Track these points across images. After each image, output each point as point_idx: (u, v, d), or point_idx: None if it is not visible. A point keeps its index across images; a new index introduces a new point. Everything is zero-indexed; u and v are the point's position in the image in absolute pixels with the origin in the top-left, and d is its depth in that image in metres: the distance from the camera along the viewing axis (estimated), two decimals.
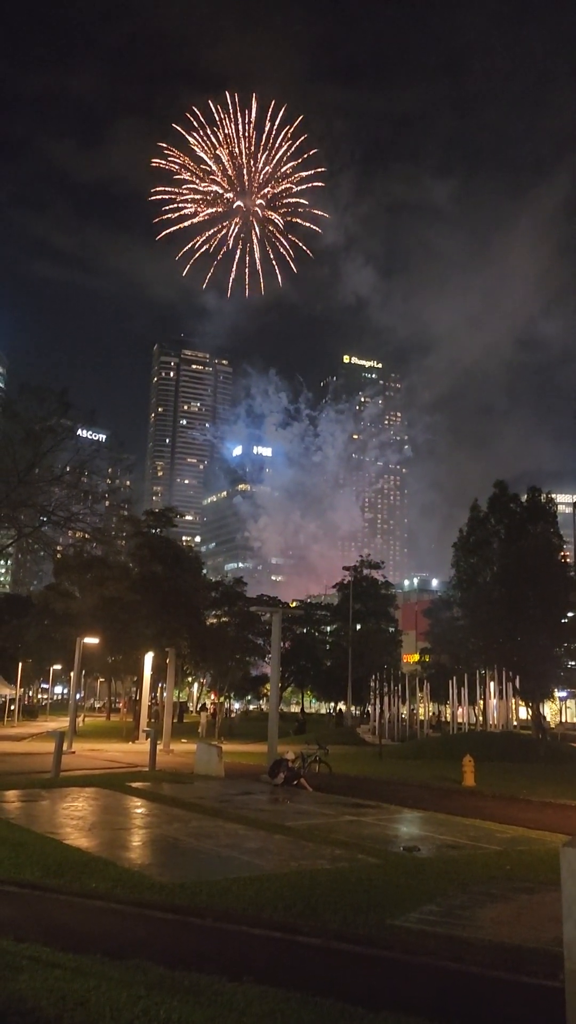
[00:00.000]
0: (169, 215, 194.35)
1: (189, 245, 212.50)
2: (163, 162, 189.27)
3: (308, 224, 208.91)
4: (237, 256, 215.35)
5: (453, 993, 6.78)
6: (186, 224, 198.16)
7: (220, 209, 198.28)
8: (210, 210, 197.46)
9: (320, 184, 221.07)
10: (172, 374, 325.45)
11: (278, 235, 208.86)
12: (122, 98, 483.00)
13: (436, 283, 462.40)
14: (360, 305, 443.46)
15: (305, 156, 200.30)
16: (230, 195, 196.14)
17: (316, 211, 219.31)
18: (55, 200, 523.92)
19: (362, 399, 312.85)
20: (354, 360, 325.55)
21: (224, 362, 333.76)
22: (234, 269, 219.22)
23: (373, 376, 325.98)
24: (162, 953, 7.25)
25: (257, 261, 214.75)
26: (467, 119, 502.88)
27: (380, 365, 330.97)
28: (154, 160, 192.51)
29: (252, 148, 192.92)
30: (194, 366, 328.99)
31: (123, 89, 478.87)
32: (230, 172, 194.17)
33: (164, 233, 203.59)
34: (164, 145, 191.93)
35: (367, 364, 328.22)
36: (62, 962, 6.77)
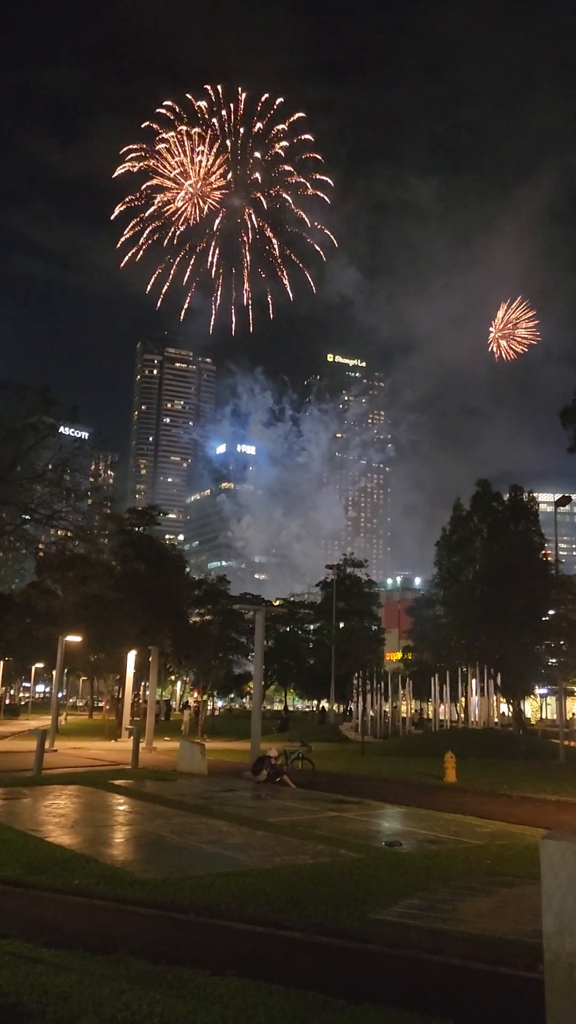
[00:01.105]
0: (137, 227, 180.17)
1: (164, 267, 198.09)
2: (134, 164, 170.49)
3: (312, 242, 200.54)
4: (220, 283, 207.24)
5: (434, 985, 6.84)
6: (156, 238, 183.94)
7: (197, 222, 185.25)
8: (188, 224, 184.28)
9: (322, 195, 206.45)
10: (155, 372, 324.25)
11: (274, 256, 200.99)
12: (103, 94, 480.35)
13: (420, 283, 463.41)
14: (344, 305, 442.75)
15: (300, 158, 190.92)
16: (211, 204, 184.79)
17: (321, 225, 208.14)
18: (36, 196, 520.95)
19: (346, 398, 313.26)
20: (338, 359, 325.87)
21: (208, 360, 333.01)
22: (218, 297, 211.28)
23: (357, 375, 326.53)
24: (145, 948, 7.26)
25: (246, 292, 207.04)
26: (449, 119, 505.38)
27: (364, 364, 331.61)
28: (119, 168, 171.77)
29: (240, 151, 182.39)
30: (178, 364, 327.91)
31: (104, 85, 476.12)
32: (215, 180, 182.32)
33: (127, 260, 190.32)
34: (136, 146, 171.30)
35: (351, 363, 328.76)
36: (44, 958, 6.77)
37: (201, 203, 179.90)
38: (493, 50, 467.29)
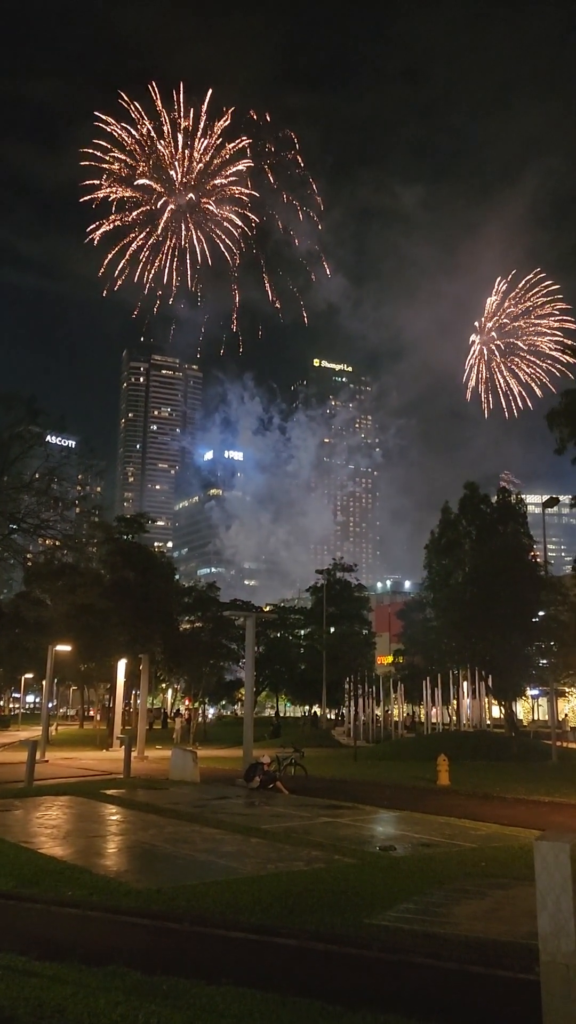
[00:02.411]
0: (120, 246, 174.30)
1: (150, 283, 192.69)
2: (108, 183, 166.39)
3: (299, 253, 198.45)
4: (208, 295, 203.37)
5: (431, 989, 6.82)
6: (141, 256, 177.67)
7: (181, 234, 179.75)
8: (172, 238, 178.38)
9: (312, 214, 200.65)
10: (142, 379, 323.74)
11: (261, 269, 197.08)
12: (84, 103, 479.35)
13: (406, 289, 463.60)
14: (331, 312, 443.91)
15: (288, 173, 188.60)
16: (195, 218, 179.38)
17: (311, 242, 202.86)
18: (18, 205, 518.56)
19: (333, 403, 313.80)
20: (324, 364, 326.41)
21: (194, 367, 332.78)
22: (205, 308, 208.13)
23: (343, 380, 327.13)
24: (140, 959, 7.22)
25: (234, 306, 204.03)
26: (431, 125, 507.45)
27: (350, 369, 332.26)
28: (95, 190, 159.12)
29: (225, 165, 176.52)
30: (164, 371, 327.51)
31: (85, 94, 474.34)
32: (201, 195, 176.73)
33: (112, 280, 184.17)
34: (111, 162, 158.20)
35: (337, 368, 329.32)
36: (38, 970, 6.72)
37: (188, 218, 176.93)
38: (472, 56, 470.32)
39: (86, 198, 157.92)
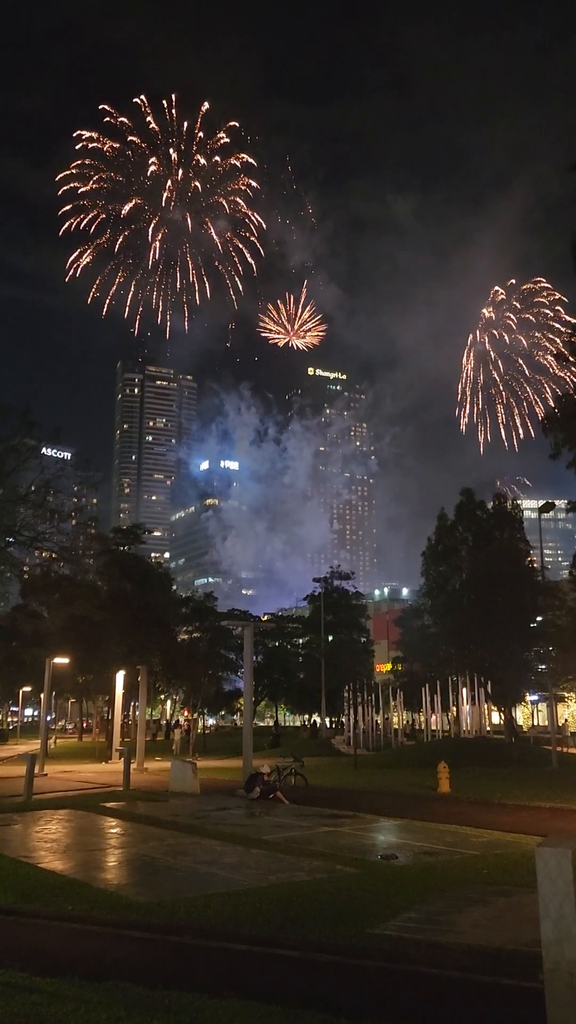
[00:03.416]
0: (111, 268, 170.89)
1: (143, 297, 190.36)
2: (87, 204, 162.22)
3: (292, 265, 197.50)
4: (200, 306, 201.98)
5: (435, 999, 6.78)
6: (132, 272, 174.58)
7: (171, 248, 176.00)
8: (163, 251, 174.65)
9: (305, 230, 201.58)
10: (136, 391, 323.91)
11: (254, 279, 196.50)
12: (73, 117, 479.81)
13: (400, 297, 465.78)
14: (325, 321, 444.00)
15: (283, 192, 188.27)
16: (186, 233, 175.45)
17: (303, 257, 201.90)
18: (9, 219, 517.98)
19: (328, 411, 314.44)
20: (319, 372, 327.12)
21: (189, 377, 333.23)
22: (195, 317, 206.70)
23: (338, 388, 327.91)
24: (141, 973, 7.17)
25: (231, 320, 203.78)
26: (421, 135, 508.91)
27: (344, 377, 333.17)
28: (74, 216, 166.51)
29: (218, 180, 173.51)
30: (159, 382, 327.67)
31: (73, 108, 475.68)
32: (191, 210, 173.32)
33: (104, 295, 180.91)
34: (93, 182, 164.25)
35: (331, 376, 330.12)
36: (39, 987, 6.66)
37: (183, 236, 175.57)
38: (460, 65, 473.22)
39: (69, 224, 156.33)
